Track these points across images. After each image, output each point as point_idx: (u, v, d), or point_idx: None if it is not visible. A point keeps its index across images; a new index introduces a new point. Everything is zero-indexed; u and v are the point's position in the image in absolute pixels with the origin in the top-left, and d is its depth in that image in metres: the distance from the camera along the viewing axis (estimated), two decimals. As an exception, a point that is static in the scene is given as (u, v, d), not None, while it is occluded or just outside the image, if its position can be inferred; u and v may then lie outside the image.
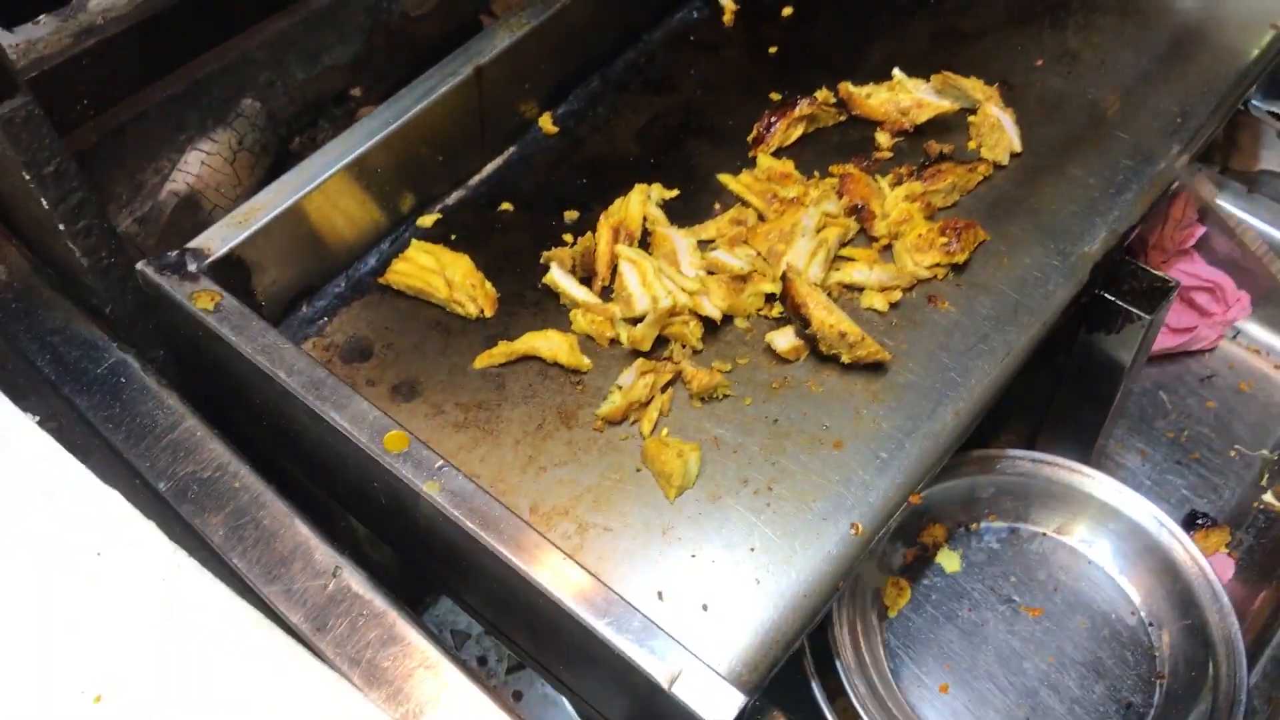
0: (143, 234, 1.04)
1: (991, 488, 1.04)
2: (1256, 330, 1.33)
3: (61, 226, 0.80)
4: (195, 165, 1.08)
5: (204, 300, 0.83)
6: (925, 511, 1.03)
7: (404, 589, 0.82)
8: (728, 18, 1.19)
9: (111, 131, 1.01)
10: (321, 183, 0.92)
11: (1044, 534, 1.04)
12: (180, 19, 1.07)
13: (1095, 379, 1.08)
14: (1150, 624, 0.99)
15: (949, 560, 1.03)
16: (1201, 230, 1.32)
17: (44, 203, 0.78)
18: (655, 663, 0.69)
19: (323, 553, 0.79)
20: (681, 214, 1.02)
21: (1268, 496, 1.18)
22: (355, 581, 0.78)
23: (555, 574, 0.72)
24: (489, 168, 1.07)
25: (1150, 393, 1.28)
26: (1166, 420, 1.26)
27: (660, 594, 0.80)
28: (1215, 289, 1.30)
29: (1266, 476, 1.20)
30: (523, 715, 0.74)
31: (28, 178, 0.76)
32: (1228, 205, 1.33)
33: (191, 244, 0.87)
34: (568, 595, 0.71)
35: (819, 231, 0.96)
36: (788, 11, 1.20)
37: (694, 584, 0.82)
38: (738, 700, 0.68)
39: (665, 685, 0.68)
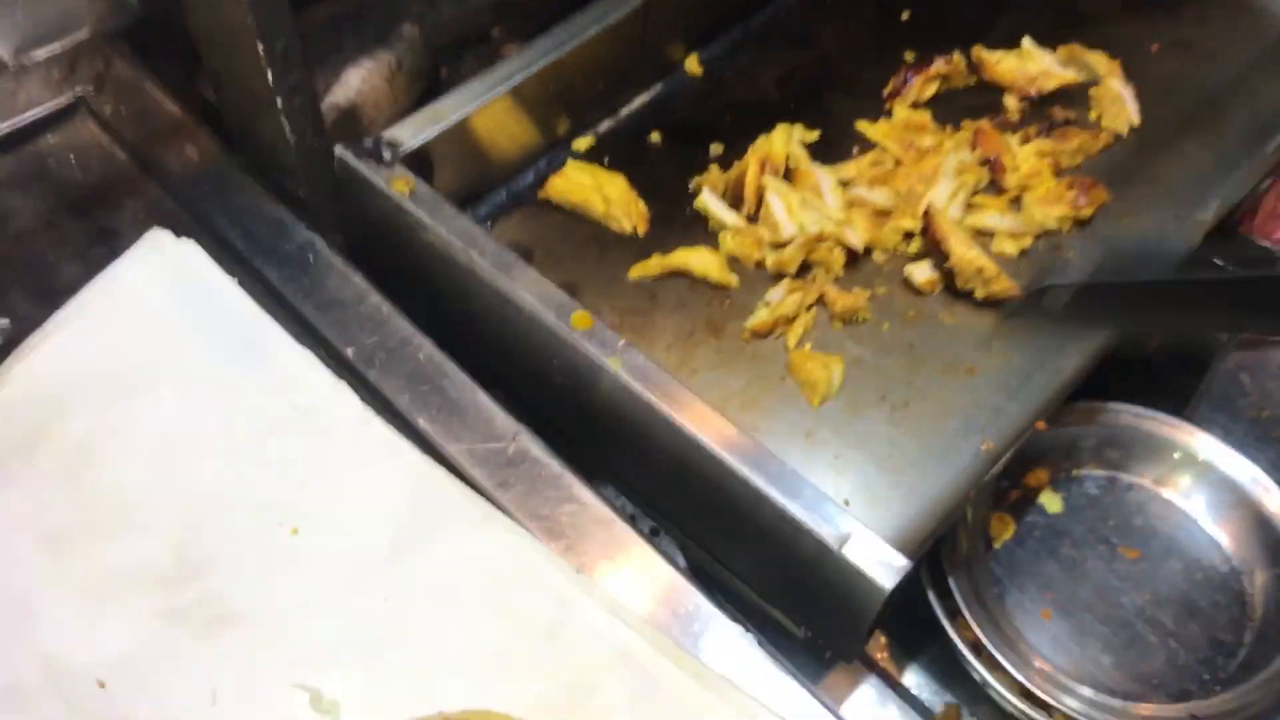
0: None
1: (1094, 438, 1.10)
2: (1336, 323, 1.40)
3: (280, 103, 0.86)
4: (355, 81, 1.14)
5: (400, 185, 0.89)
6: (1031, 455, 1.09)
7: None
8: (862, -17, 1.26)
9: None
10: (502, 93, 0.98)
11: (1142, 483, 1.10)
12: (344, -53, 1.13)
13: (1194, 343, 1.14)
14: (1242, 571, 1.04)
15: (1051, 501, 1.08)
16: (1289, 224, 1.39)
17: (270, 77, 0.84)
18: (825, 526, 0.75)
19: (502, 419, 0.85)
20: (821, 156, 1.08)
21: (1343, 475, 1.25)
22: (534, 446, 0.83)
23: (732, 444, 0.78)
24: (638, 100, 1.13)
25: (1232, 374, 1.34)
26: (1247, 400, 1.32)
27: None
28: (1299, 280, 1.36)
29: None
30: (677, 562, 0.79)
31: (261, 50, 0.82)
32: (1314, 203, 1.40)
33: (385, 135, 0.93)
34: (744, 464, 0.77)
35: (959, 176, 1.02)
36: (918, -19, 1.27)
37: (836, 481, 0.88)
38: (901, 562, 0.74)
39: (835, 547, 0.74)
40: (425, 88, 1.20)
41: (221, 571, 0.77)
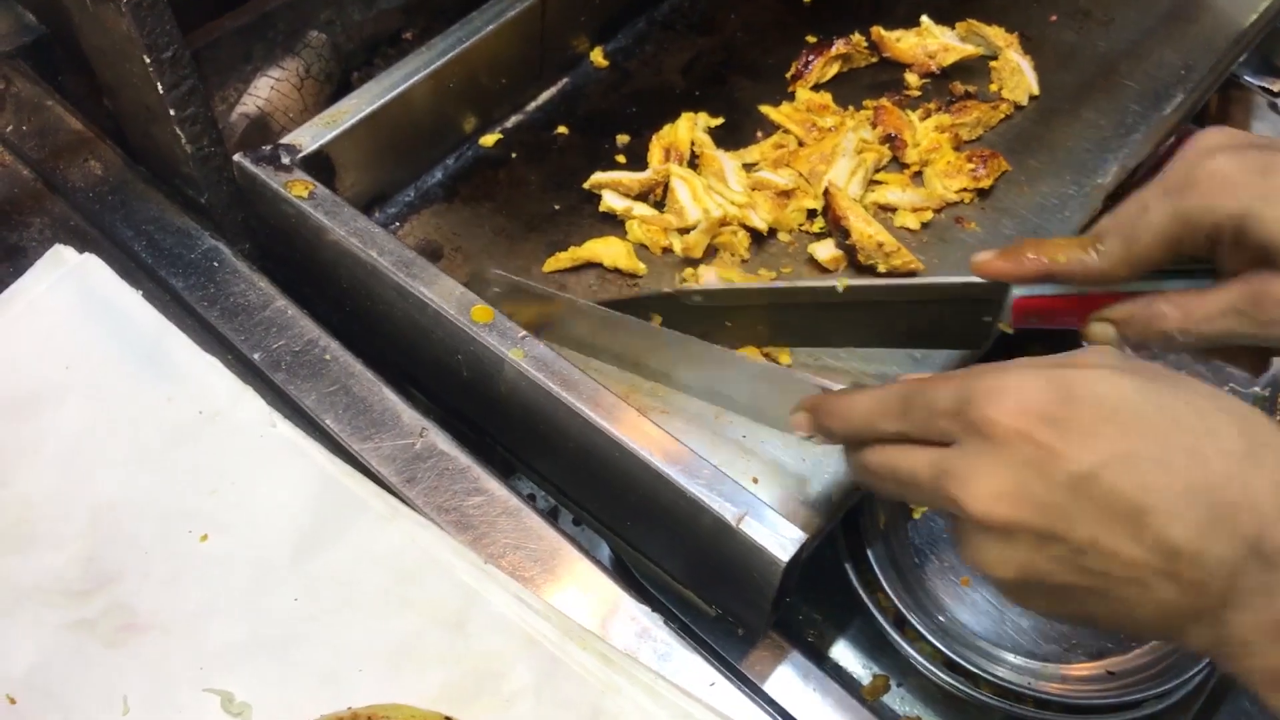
0: (217, 150, 1.10)
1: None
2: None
3: (172, 112, 0.86)
4: (265, 90, 1.14)
5: (299, 189, 0.90)
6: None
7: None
8: (765, -31, 1.27)
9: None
10: (401, 91, 0.99)
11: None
12: (250, -44, 1.13)
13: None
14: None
15: (968, 470, 1.11)
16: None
17: (159, 87, 0.85)
18: (724, 504, 0.76)
19: (409, 416, 0.86)
20: (726, 141, 1.09)
21: (1259, 429, 1.27)
22: (441, 441, 0.84)
23: (632, 428, 0.79)
24: (545, 95, 1.14)
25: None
26: (1166, 361, 1.34)
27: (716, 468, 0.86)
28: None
29: (1258, 412, 1.28)
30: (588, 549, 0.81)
31: (148, 61, 0.83)
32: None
33: (284, 140, 0.94)
34: (643, 446, 0.78)
35: (857, 154, 1.04)
36: (820, -34, 1.28)
37: (745, 461, 0.89)
38: (798, 535, 0.75)
39: (733, 523, 0.75)
40: (335, 92, 1.21)
41: (130, 580, 0.78)
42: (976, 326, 0.85)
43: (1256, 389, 1.30)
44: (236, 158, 0.92)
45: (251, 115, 1.13)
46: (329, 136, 0.95)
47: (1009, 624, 1.02)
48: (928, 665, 0.98)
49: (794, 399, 0.77)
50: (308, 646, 0.76)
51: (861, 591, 0.99)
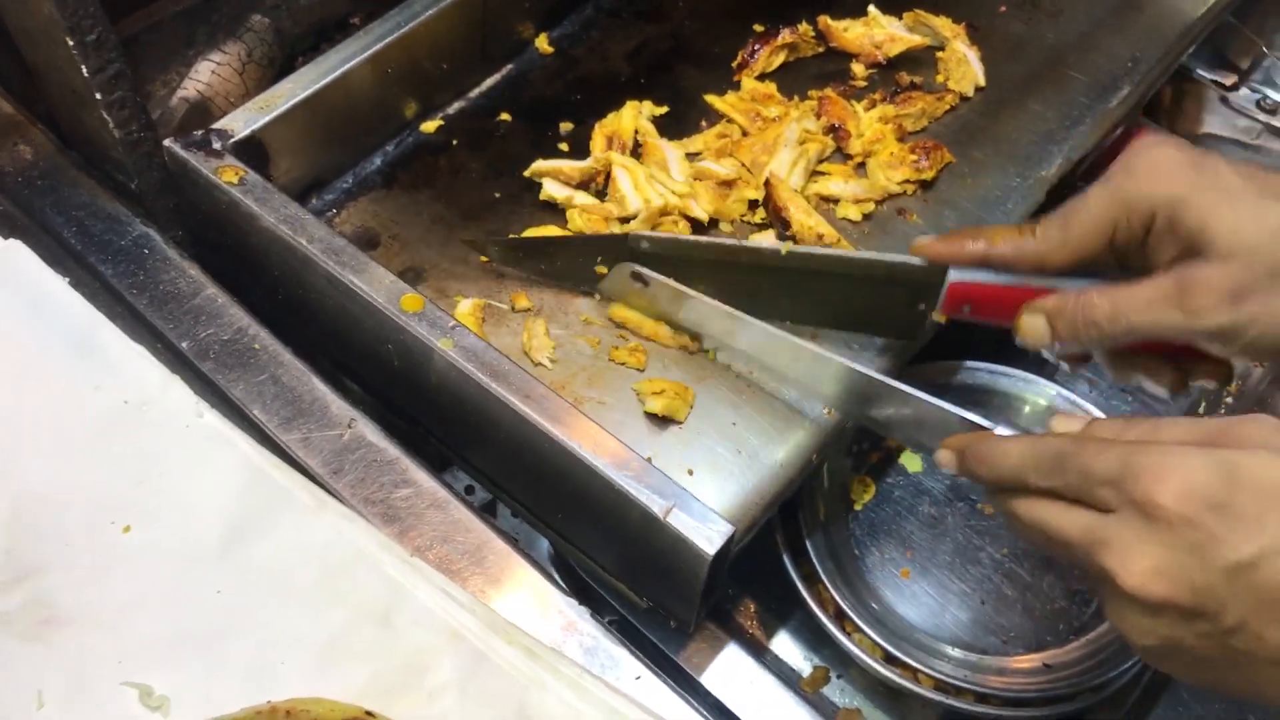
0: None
1: (951, 397, 1.11)
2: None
3: (98, 96, 0.85)
4: (205, 74, 1.13)
5: (229, 174, 0.89)
6: (890, 415, 1.10)
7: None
8: (714, -44, 1.26)
9: (125, 40, 1.06)
10: (338, 76, 0.97)
11: (999, 439, 1.12)
12: (194, -64, 1.11)
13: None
14: (1095, 520, 1.07)
15: (911, 461, 1.10)
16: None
17: (84, 70, 0.83)
18: (652, 497, 0.75)
19: (338, 406, 0.85)
20: (670, 130, 1.08)
21: (1203, 422, 1.27)
22: (369, 432, 0.83)
23: (562, 420, 0.78)
24: (488, 81, 1.13)
25: (1098, 328, 1.37)
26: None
27: (650, 459, 0.85)
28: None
29: (1203, 405, 1.29)
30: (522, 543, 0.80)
31: (71, 44, 0.81)
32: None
33: (216, 125, 0.92)
34: (573, 438, 0.77)
35: (800, 144, 1.03)
36: (770, -46, 1.27)
37: (680, 452, 0.89)
38: (725, 528, 0.75)
39: (660, 515, 0.75)
40: (278, 77, 1.19)
41: (52, 573, 0.76)
42: (911, 314, 0.85)
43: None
44: (167, 143, 0.91)
45: (192, 100, 1.11)
46: (262, 121, 0.94)
47: (948, 617, 1.02)
48: (867, 659, 0.97)
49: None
50: (231, 639, 0.75)
51: (800, 584, 0.98)
